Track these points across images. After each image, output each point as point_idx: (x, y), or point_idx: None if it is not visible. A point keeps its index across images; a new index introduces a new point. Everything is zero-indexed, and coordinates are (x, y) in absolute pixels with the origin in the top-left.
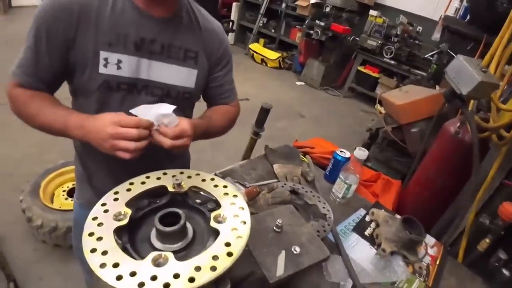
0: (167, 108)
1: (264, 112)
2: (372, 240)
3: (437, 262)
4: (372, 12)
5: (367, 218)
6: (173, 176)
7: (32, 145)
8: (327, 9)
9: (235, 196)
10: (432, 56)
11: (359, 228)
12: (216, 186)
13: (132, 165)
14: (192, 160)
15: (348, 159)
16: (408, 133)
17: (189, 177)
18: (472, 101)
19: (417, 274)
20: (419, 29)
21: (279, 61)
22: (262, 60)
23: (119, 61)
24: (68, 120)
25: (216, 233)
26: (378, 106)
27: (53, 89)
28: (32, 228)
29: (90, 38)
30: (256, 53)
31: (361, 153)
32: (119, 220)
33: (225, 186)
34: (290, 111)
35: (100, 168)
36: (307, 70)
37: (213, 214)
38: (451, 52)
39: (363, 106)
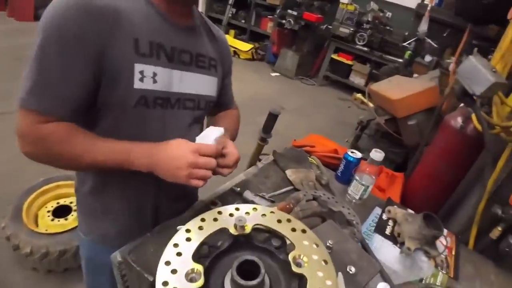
0: (218, 131)
1: (272, 118)
2: (393, 238)
3: (453, 253)
4: (343, 0)
5: (384, 217)
6: (230, 214)
7: (6, 163)
8: None
9: (303, 231)
10: (409, 43)
11: (380, 228)
12: (279, 221)
13: (154, 190)
14: None
15: (359, 159)
16: (405, 126)
17: (247, 213)
18: None
19: (439, 268)
20: (389, 15)
21: (252, 52)
22: (234, 52)
23: (155, 74)
24: (131, 152)
25: (296, 276)
26: (362, 97)
27: (79, 116)
28: (20, 256)
29: (123, 48)
30: None
31: (378, 155)
32: (192, 281)
33: (288, 220)
34: (271, 104)
35: (121, 199)
36: (281, 60)
37: (290, 257)
38: (428, 40)
39: (339, 93)
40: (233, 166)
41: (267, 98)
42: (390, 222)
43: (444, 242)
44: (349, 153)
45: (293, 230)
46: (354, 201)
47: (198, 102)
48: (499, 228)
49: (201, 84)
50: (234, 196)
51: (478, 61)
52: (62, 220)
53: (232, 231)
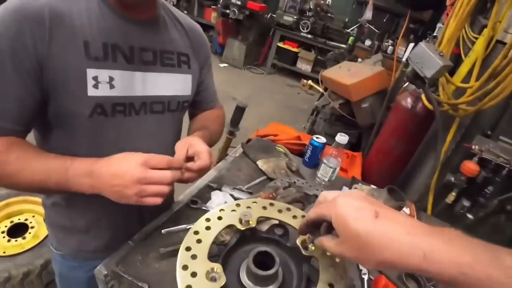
0: None
1: (239, 111)
2: None
3: (415, 219)
4: None
5: None
6: (232, 210)
7: None
8: None
9: (303, 217)
10: (352, 30)
11: None
12: (280, 211)
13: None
14: None
15: (324, 144)
16: (359, 108)
17: (248, 207)
18: None
19: None
20: (329, 2)
21: None
22: None
23: (111, 79)
24: (68, 171)
25: (306, 259)
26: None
27: (27, 129)
28: None
29: (70, 53)
30: None
31: (343, 138)
32: (214, 280)
33: (288, 209)
34: (222, 95)
35: (87, 214)
36: (228, 50)
37: (299, 241)
38: (369, 26)
39: (287, 80)
40: (197, 171)
41: (218, 90)
42: None
43: (407, 211)
44: (315, 138)
45: (294, 217)
46: (323, 183)
47: (168, 104)
48: (453, 193)
49: (170, 84)
50: (211, 192)
51: (427, 47)
52: (19, 240)
53: (239, 226)
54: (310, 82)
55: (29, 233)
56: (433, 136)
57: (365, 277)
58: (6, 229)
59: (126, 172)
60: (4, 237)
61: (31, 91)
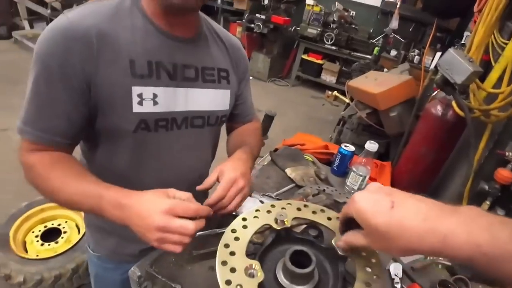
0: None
1: (268, 119)
2: None
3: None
4: (309, 1)
5: None
6: (268, 211)
7: None
8: (266, 2)
9: (338, 218)
10: (377, 40)
11: None
12: (314, 212)
13: None
14: None
15: (353, 152)
16: (387, 117)
17: (283, 208)
18: None
19: None
20: (353, 13)
21: None
22: None
23: (155, 95)
24: (102, 199)
25: (341, 260)
26: (337, 94)
27: (75, 142)
28: (13, 286)
29: (117, 71)
30: None
31: (372, 145)
32: (252, 276)
33: (322, 211)
34: None
35: None
36: (253, 63)
37: (334, 242)
38: (395, 35)
39: (312, 92)
40: (214, 203)
41: None
42: None
43: None
44: (343, 147)
45: (329, 219)
46: (352, 191)
47: (208, 118)
48: (487, 202)
49: (210, 100)
50: None
51: (457, 53)
52: (52, 244)
53: (274, 226)
54: (335, 93)
55: (62, 237)
56: (465, 144)
57: (398, 286)
58: (40, 233)
59: (149, 216)
60: (38, 241)
61: (78, 107)
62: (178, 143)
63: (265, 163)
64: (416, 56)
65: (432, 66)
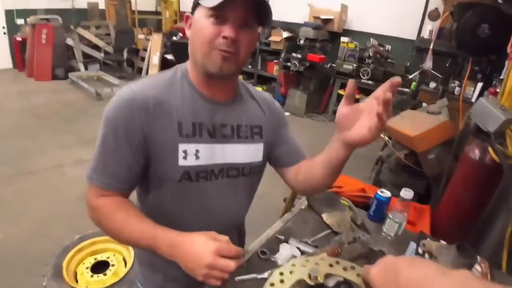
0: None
1: None
2: None
3: (488, 278)
4: (343, 39)
5: (420, 251)
6: (302, 265)
7: (34, 221)
8: (301, 42)
9: None
10: (414, 75)
11: None
12: (345, 269)
13: None
14: None
15: (389, 198)
16: (425, 159)
17: (316, 263)
18: None
19: None
20: (388, 48)
21: None
22: None
23: (197, 151)
24: (156, 238)
25: None
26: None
27: (132, 188)
28: None
29: (167, 132)
30: None
31: (408, 193)
32: None
33: (352, 267)
34: None
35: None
36: (289, 100)
37: None
38: (432, 71)
39: None
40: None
41: None
42: (426, 255)
43: (479, 268)
44: (379, 193)
45: (358, 275)
46: (389, 238)
47: (242, 169)
48: None
49: (244, 153)
50: (278, 243)
51: (488, 101)
52: (101, 276)
53: (308, 281)
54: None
55: (110, 270)
56: (504, 189)
57: None
58: (90, 265)
59: (200, 256)
60: (88, 272)
61: (137, 159)
62: (216, 191)
63: (302, 207)
64: (457, 88)
65: (474, 98)
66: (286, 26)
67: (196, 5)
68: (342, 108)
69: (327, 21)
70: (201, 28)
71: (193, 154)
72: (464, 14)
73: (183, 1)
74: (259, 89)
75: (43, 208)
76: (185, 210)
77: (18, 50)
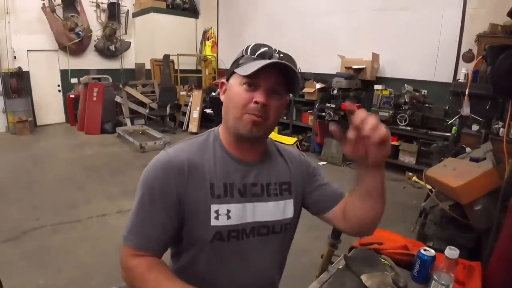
0: None
1: None
2: None
3: None
4: (377, 87)
5: None
6: None
7: (76, 269)
8: (334, 92)
9: None
10: (455, 120)
11: None
12: None
13: None
14: None
15: (434, 257)
16: (472, 211)
17: None
18: None
19: None
20: (424, 92)
21: (297, 144)
22: None
23: (228, 211)
24: None
25: None
26: (416, 179)
27: (165, 248)
28: None
29: (200, 193)
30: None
31: (453, 252)
32: None
33: None
34: None
35: None
36: (326, 149)
37: None
38: (472, 115)
39: (391, 175)
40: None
41: None
42: None
43: None
44: (423, 251)
45: None
46: None
47: (273, 227)
48: None
49: (274, 210)
50: None
51: None
52: None
53: None
54: (414, 178)
55: None
56: None
57: None
58: None
59: None
60: None
61: (172, 220)
62: (248, 250)
63: (340, 267)
64: (501, 129)
65: None
66: (319, 77)
67: (231, 73)
68: (346, 148)
69: (359, 70)
70: (235, 93)
71: (225, 214)
72: (497, 57)
73: (221, 59)
74: (293, 139)
75: (85, 256)
76: (217, 271)
77: (71, 106)
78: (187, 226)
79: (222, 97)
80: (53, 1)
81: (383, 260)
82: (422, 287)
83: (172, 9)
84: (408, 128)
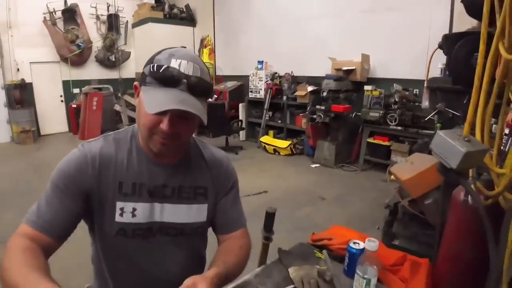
0: None
1: (269, 216)
2: None
3: None
4: (367, 87)
5: None
6: None
7: (57, 272)
8: (324, 94)
9: None
10: (433, 116)
11: None
12: None
13: None
14: None
15: (362, 250)
16: (423, 205)
17: None
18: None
19: None
20: (416, 91)
21: (291, 148)
22: (275, 150)
23: (134, 209)
24: None
25: None
26: (390, 178)
27: (61, 234)
28: None
29: (109, 190)
30: (268, 144)
31: (372, 244)
32: None
33: None
34: (310, 196)
35: None
36: (318, 151)
37: None
38: (449, 110)
39: (383, 175)
40: None
41: (307, 190)
42: None
43: None
44: (351, 244)
45: None
46: None
47: (181, 229)
48: None
49: (184, 213)
50: None
51: (446, 134)
52: None
53: None
54: (393, 176)
55: None
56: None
57: None
58: None
59: None
60: None
61: (70, 209)
62: (156, 249)
63: (273, 260)
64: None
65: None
66: (312, 80)
67: (142, 83)
68: None
69: (349, 71)
70: (143, 114)
71: (130, 212)
72: (454, 46)
73: (218, 66)
74: (287, 142)
75: (67, 259)
76: (124, 266)
77: (73, 116)
78: (96, 219)
79: (136, 100)
80: (54, 14)
81: (318, 254)
82: (351, 282)
83: (170, 18)
84: (399, 128)
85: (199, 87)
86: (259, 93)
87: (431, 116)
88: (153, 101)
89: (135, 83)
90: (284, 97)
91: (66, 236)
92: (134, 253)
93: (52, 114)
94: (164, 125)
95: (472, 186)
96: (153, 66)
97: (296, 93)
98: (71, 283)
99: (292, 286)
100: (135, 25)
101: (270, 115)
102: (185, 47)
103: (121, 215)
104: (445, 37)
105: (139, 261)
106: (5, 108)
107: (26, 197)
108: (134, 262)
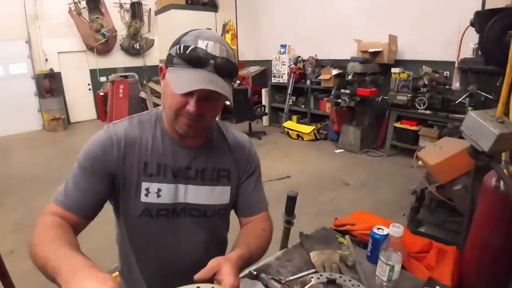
0: None
1: (290, 200)
2: None
3: None
4: (394, 70)
5: None
6: None
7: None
8: (349, 77)
9: None
10: (464, 99)
11: None
12: None
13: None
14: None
15: (386, 236)
16: (452, 191)
17: None
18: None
19: None
20: (447, 73)
21: (314, 133)
22: (298, 136)
23: (159, 190)
24: (62, 263)
25: None
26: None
27: (88, 213)
28: None
29: (134, 170)
30: (291, 129)
31: (396, 230)
32: None
33: None
34: (334, 181)
35: None
36: (343, 136)
37: None
38: (481, 92)
39: (410, 161)
40: None
41: (331, 175)
42: None
43: None
44: (375, 230)
45: None
46: (385, 284)
47: (204, 210)
48: None
49: (207, 195)
50: (252, 278)
51: (478, 114)
52: None
53: None
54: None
55: None
56: None
57: None
58: None
59: None
60: None
61: (96, 189)
62: (179, 229)
63: (294, 244)
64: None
65: None
66: (337, 63)
67: (168, 64)
68: None
69: (376, 53)
70: (170, 95)
71: (155, 192)
72: (487, 24)
73: (241, 51)
74: (311, 127)
75: (98, 241)
76: (146, 245)
77: (101, 103)
78: (121, 200)
79: (162, 83)
80: (79, 4)
81: (340, 239)
82: (374, 268)
83: (192, 4)
84: (428, 112)
85: (225, 68)
86: (282, 77)
87: (462, 99)
88: (181, 81)
89: (160, 64)
90: (308, 81)
91: (93, 216)
92: (158, 233)
93: (80, 102)
94: (191, 106)
95: (505, 170)
96: (180, 47)
97: (320, 77)
98: (101, 264)
99: (313, 270)
100: (157, 12)
101: (294, 100)
102: (210, 29)
103: (146, 195)
104: (477, 14)
105: (162, 241)
106: (36, 97)
107: (58, 183)
108: (158, 243)
